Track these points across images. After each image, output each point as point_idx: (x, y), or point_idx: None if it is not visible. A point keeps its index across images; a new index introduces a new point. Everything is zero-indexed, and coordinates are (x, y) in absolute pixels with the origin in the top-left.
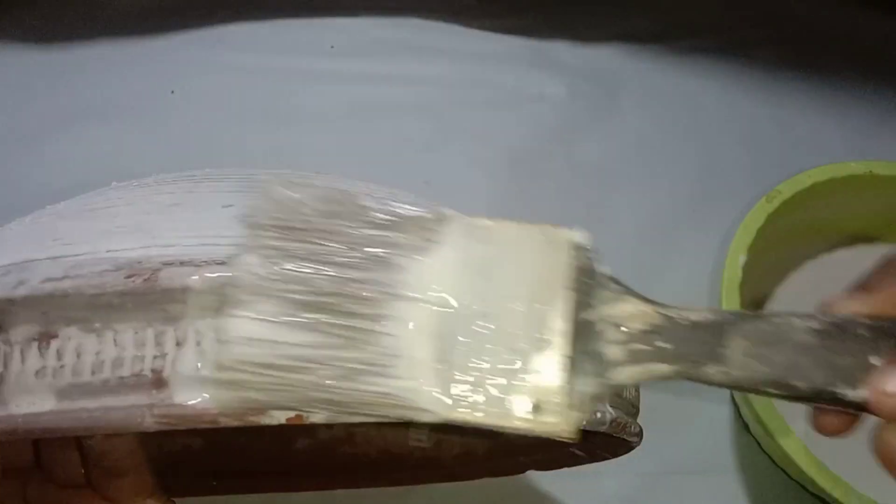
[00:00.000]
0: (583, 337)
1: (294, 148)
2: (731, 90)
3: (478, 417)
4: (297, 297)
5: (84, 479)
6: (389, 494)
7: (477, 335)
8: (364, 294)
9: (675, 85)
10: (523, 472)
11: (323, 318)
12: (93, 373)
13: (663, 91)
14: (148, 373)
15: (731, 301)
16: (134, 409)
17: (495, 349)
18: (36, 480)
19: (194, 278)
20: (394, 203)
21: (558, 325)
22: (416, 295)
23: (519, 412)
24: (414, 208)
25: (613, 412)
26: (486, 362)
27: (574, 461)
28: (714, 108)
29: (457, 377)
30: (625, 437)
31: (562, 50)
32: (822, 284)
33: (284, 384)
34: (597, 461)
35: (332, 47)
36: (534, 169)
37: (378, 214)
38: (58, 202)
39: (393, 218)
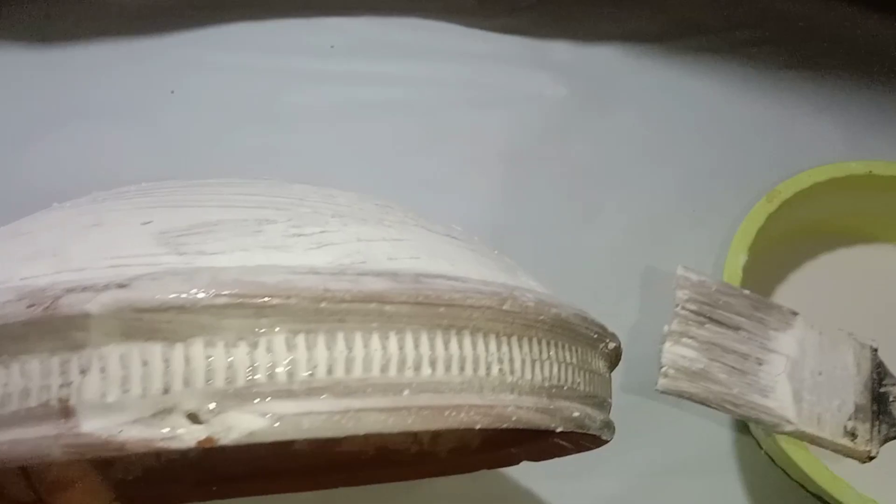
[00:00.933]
0: (878, 401)
1: (293, 147)
2: (731, 90)
3: (821, 433)
4: (710, 338)
5: (35, 496)
6: (388, 494)
7: (816, 384)
8: (751, 345)
9: (675, 85)
10: (517, 463)
11: (726, 355)
12: (2, 405)
13: (663, 91)
14: (55, 402)
15: None
16: (42, 440)
17: (828, 394)
18: None
19: (92, 304)
20: (763, 298)
21: (866, 391)
22: (781, 351)
23: (844, 436)
24: (774, 302)
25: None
26: (823, 401)
27: (561, 451)
28: (714, 108)
29: (806, 407)
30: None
31: (561, 50)
32: (822, 284)
33: (700, 386)
34: (581, 451)
35: (332, 47)
36: (533, 169)
37: (753, 298)
38: (55, 203)
39: (762, 303)
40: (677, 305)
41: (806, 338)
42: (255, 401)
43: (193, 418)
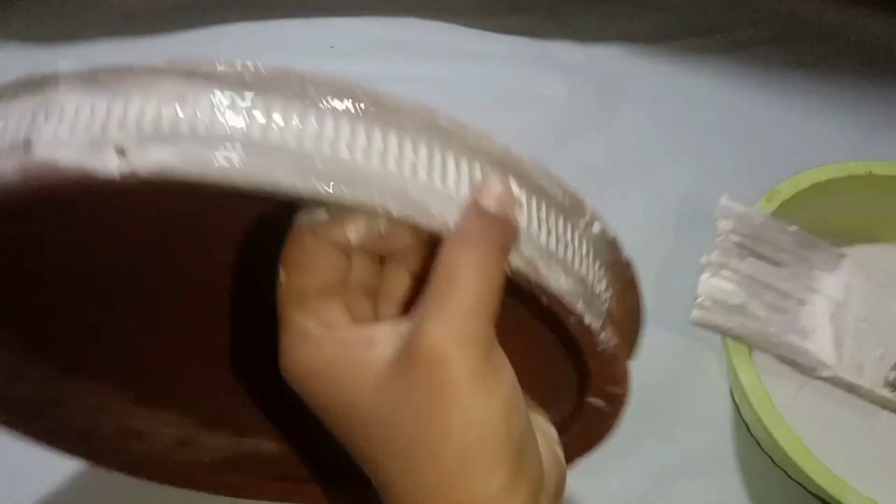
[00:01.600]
0: None
1: None
2: (731, 90)
3: (861, 381)
4: (751, 273)
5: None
6: None
7: (860, 330)
8: (795, 283)
9: (675, 85)
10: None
11: (767, 292)
12: None
13: (663, 91)
14: (20, 139)
15: None
16: (5, 166)
17: (871, 342)
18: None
19: (62, 65)
20: (811, 235)
21: None
22: (825, 293)
23: (885, 386)
24: (823, 240)
25: None
26: (865, 349)
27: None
28: (714, 108)
29: (847, 353)
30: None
31: (562, 50)
32: None
33: (736, 320)
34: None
35: (332, 47)
36: None
37: (799, 236)
38: None
39: (809, 242)
40: (718, 236)
41: (853, 281)
42: (176, 143)
43: (121, 152)
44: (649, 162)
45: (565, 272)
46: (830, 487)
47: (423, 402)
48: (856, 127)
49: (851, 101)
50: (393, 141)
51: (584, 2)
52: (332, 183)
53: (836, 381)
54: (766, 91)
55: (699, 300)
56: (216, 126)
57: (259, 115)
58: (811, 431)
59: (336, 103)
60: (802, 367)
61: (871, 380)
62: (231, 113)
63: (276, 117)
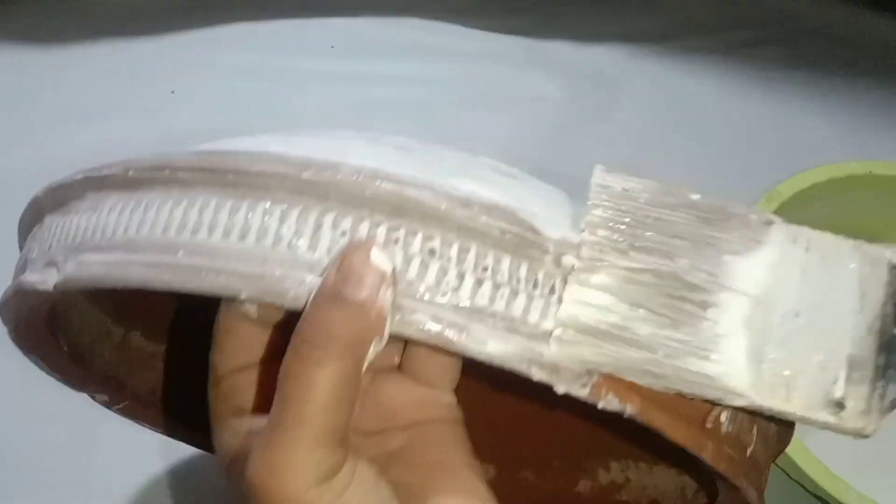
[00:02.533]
0: (888, 350)
1: None
2: (731, 90)
3: (788, 407)
4: (633, 275)
5: (396, 363)
6: None
7: (790, 332)
8: (693, 281)
9: (675, 85)
10: None
11: (656, 297)
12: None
13: (663, 91)
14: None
15: None
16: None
17: (806, 347)
18: None
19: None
20: (722, 200)
21: (870, 336)
22: (738, 288)
23: (825, 408)
24: (740, 207)
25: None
26: (797, 358)
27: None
28: (714, 108)
29: (769, 368)
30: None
31: (562, 50)
32: None
33: (609, 351)
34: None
35: (332, 47)
36: (533, 169)
37: (704, 209)
38: None
39: (719, 215)
40: (583, 229)
41: (783, 260)
42: (81, 254)
43: (56, 267)
44: (648, 162)
45: (507, 329)
46: (830, 487)
47: None
48: (856, 127)
49: (851, 101)
50: (257, 211)
51: (582, 2)
52: (181, 274)
53: (756, 409)
54: (766, 91)
55: (556, 332)
56: (110, 233)
57: (129, 212)
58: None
59: (202, 184)
60: (704, 397)
61: (804, 402)
62: (114, 216)
63: (148, 212)
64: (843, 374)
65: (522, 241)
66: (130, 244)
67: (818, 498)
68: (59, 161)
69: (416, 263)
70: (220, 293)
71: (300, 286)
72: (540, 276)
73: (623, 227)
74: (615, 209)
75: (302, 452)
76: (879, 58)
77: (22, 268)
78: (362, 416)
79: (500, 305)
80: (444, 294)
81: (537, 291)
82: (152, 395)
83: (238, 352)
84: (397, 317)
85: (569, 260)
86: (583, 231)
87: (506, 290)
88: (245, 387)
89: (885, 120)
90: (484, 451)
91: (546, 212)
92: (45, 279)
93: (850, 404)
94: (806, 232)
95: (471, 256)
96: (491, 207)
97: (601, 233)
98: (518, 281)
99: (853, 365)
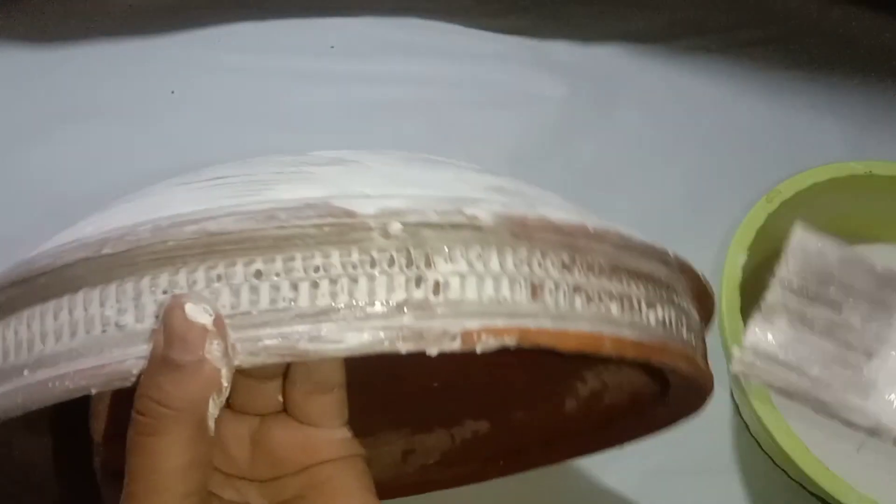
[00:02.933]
0: None
1: (294, 147)
2: (731, 90)
3: None
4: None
5: (281, 405)
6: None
7: None
8: (861, 331)
9: (675, 85)
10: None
11: (830, 346)
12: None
13: (663, 91)
14: None
15: (731, 301)
16: None
17: None
18: (226, 417)
19: None
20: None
21: None
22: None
23: None
24: None
25: None
26: None
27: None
28: (714, 108)
29: None
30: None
31: (562, 50)
32: None
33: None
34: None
35: (332, 47)
36: (533, 169)
37: (884, 275)
38: (58, 204)
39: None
40: (783, 273)
41: None
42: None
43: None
44: (648, 162)
45: (359, 318)
46: (830, 487)
47: None
48: (856, 127)
49: (851, 101)
50: (77, 304)
51: (583, 2)
52: (32, 393)
53: None
54: (766, 91)
55: (741, 355)
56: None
57: None
58: (811, 431)
59: (20, 298)
60: (858, 427)
61: None
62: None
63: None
64: None
65: (343, 228)
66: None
67: (818, 498)
68: (58, 160)
69: (245, 292)
70: (73, 397)
71: (140, 360)
72: (374, 254)
73: (812, 278)
74: (808, 261)
75: None
76: (880, 58)
77: None
78: (255, 465)
79: (343, 298)
80: (284, 310)
81: (376, 269)
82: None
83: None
84: (241, 353)
85: (395, 227)
86: (781, 274)
87: (345, 281)
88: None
89: (885, 120)
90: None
91: (373, 187)
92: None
93: None
94: None
95: (297, 263)
96: (300, 209)
97: (797, 280)
98: (354, 267)
99: None
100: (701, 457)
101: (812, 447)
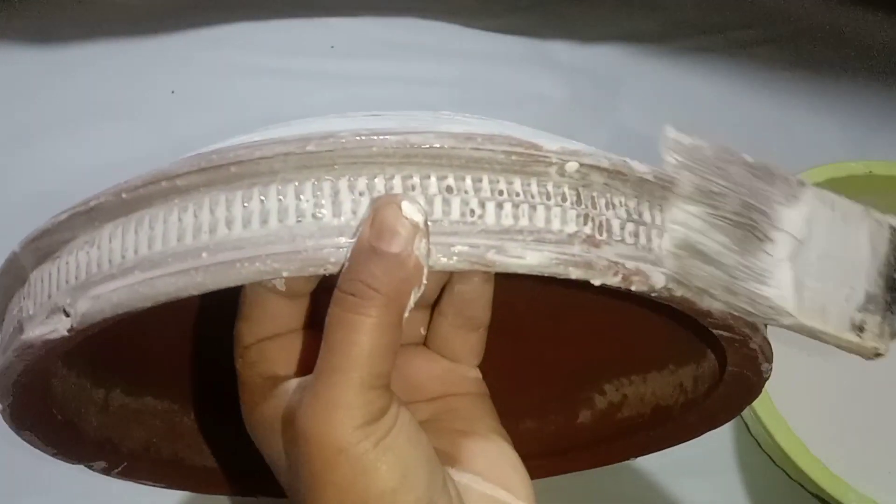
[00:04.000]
0: (892, 290)
1: None
2: (731, 90)
3: (825, 328)
4: (717, 210)
5: (423, 337)
6: None
7: (823, 270)
8: (756, 219)
9: (675, 85)
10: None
11: (732, 229)
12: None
13: (663, 91)
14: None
15: None
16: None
17: (835, 282)
18: None
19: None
20: (767, 161)
21: (880, 279)
22: (786, 229)
23: (851, 330)
24: (781, 169)
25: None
26: (829, 290)
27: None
28: (714, 108)
29: (809, 296)
30: None
31: (562, 50)
32: None
33: (698, 270)
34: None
35: (332, 47)
36: None
37: (755, 166)
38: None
39: (766, 172)
40: (665, 167)
41: (815, 215)
42: (90, 289)
43: (65, 313)
44: (648, 162)
45: (536, 241)
46: (830, 487)
47: (305, 474)
48: (856, 127)
49: (851, 101)
50: (270, 195)
51: (583, 2)
52: (215, 273)
53: (799, 329)
54: (766, 91)
55: (666, 247)
56: (114, 262)
57: (132, 234)
58: (811, 432)
59: (204, 185)
60: (760, 317)
61: (835, 324)
62: (117, 242)
63: (155, 227)
64: (862, 305)
65: (528, 159)
66: (146, 262)
67: (818, 498)
68: (58, 160)
69: (438, 202)
70: (260, 279)
71: (339, 250)
72: (549, 188)
73: (698, 171)
74: (688, 157)
75: (350, 395)
76: (880, 58)
77: (18, 329)
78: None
79: (524, 221)
80: (472, 223)
81: (552, 201)
82: (147, 452)
83: (265, 322)
84: (435, 255)
85: (572, 166)
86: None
87: (525, 207)
88: (273, 355)
89: (885, 120)
90: None
91: (539, 135)
92: (54, 328)
93: (868, 328)
94: (830, 195)
95: (485, 184)
96: (491, 137)
97: (685, 173)
98: (532, 196)
99: (868, 299)
100: (701, 457)
101: (812, 447)
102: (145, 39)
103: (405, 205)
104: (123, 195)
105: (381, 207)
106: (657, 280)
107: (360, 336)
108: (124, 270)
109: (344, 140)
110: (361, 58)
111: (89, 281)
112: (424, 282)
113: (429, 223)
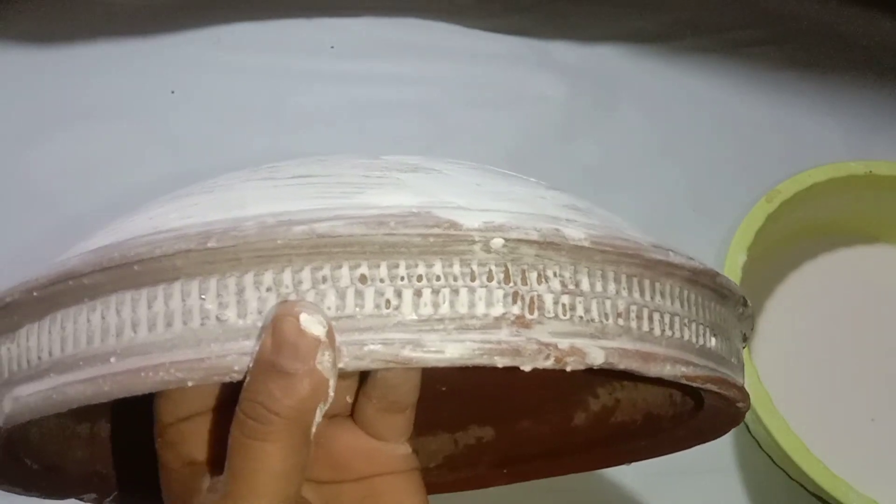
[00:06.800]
0: None
1: (294, 147)
2: (732, 90)
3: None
4: None
5: (349, 409)
6: None
7: None
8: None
9: (675, 85)
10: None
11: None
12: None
13: (663, 91)
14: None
15: None
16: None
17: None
18: None
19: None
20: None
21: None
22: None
23: None
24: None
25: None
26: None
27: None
28: (714, 108)
29: None
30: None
31: (562, 50)
32: (822, 284)
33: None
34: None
35: (332, 47)
36: (533, 169)
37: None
38: (57, 203)
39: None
40: None
41: None
42: (13, 389)
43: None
44: (648, 162)
45: (459, 329)
46: (830, 487)
47: None
48: (856, 127)
49: (851, 101)
50: (174, 295)
51: (583, 2)
52: (121, 382)
53: None
54: (765, 91)
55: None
56: (35, 359)
57: (46, 334)
58: (811, 432)
59: (110, 283)
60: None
61: None
62: (33, 340)
63: (66, 328)
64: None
65: (447, 240)
66: (59, 365)
67: (818, 498)
68: (58, 160)
69: (350, 295)
70: (167, 388)
71: (242, 357)
72: (474, 268)
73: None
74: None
75: None
76: (880, 58)
77: None
78: (316, 465)
79: (444, 309)
80: (388, 316)
81: (476, 283)
82: (138, 477)
83: (183, 402)
84: (347, 356)
85: (497, 242)
86: None
87: (446, 292)
88: (191, 436)
89: (885, 120)
90: (479, 415)
91: (464, 197)
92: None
93: None
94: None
95: (401, 270)
96: (406, 216)
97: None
98: (455, 279)
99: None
100: (701, 457)
101: (812, 447)
102: (145, 39)
103: (304, 318)
104: (35, 293)
105: (280, 319)
106: (595, 356)
107: (263, 463)
108: (41, 372)
109: (246, 234)
110: (361, 58)
111: (11, 380)
112: (331, 394)
113: (333, 327)
